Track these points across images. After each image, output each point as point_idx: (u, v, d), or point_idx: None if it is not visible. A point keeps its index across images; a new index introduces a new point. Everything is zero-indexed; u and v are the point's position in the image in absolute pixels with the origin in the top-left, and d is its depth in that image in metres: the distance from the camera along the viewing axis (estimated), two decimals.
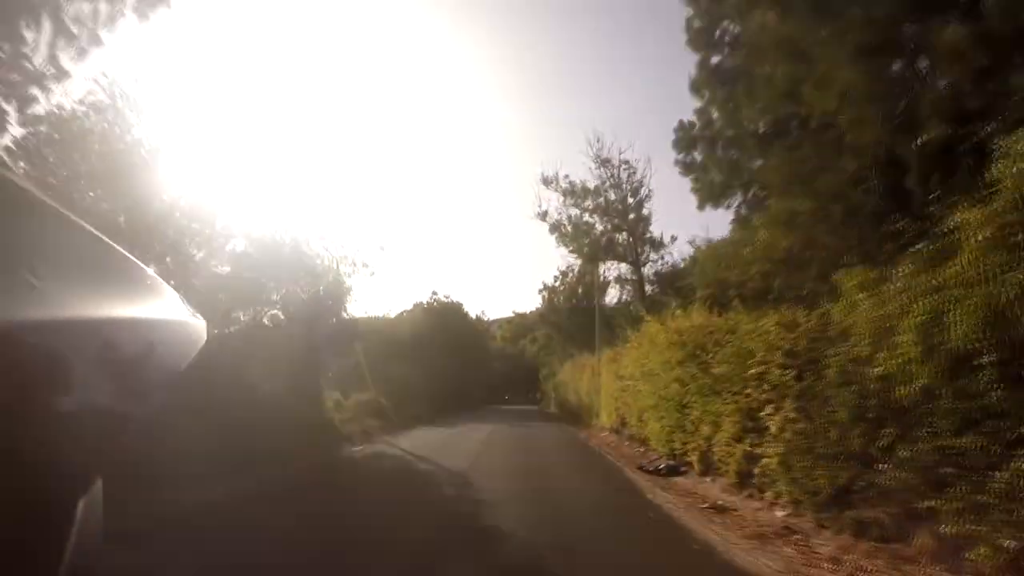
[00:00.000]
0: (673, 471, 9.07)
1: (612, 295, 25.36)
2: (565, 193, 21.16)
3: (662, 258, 21.05)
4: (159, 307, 0.95)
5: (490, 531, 5.10)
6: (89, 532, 0.74)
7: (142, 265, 0.98)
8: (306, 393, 14.01)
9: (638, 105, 66.21)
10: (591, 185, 21.37)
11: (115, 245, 0.86)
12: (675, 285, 15.93)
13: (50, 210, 0.72)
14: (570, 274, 31.50)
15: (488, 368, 45.00)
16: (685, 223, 65.01)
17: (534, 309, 37.69)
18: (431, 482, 7.67)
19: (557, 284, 32.19)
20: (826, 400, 5.40)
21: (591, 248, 20.68)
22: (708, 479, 8.11)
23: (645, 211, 21.24)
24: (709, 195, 10.23)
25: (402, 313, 31.20)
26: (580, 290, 30.47)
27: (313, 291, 14.00)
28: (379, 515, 5.67)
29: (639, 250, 20.48)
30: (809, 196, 6.00)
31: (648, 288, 20.23)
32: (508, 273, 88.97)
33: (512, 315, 54.98)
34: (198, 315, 1.15)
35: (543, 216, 22.18)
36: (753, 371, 6.65)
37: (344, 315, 15.85)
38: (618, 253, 20.86)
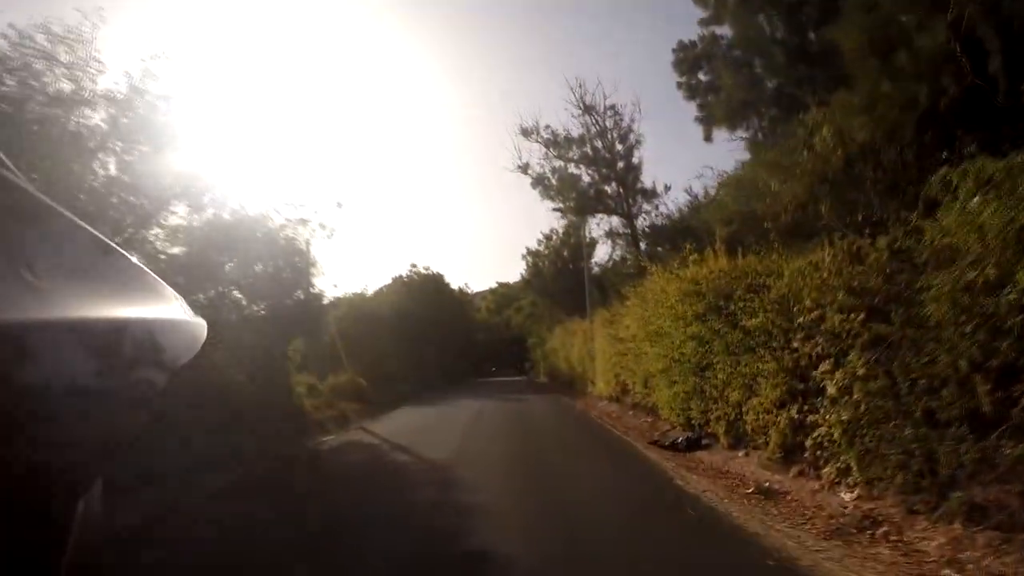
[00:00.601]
0: (694, 445, 7.81)
1: (602, 254, 23.93)
2: (547, 144, 19.30)
3: (656, 208, 19.45)
4: (160, 308, 0.93)
5: (480, 559, 3.69)
6: (89, 532, 0.73)
7: (142, 266, 0.93)
8: (272, 379, 12.51)
9: (621, 46, 62.71)
10: (575, 134, 19.64)
11: (115, 246, 0.84)
12: (680, 230, 14.44)
13: (49, 210, 0.70)
14: (554, 237, 30.00)
15: (474, 340, 43.67)
16: (680, 171, 61.28)
17: (519, 279, 35.98)
18: (406, 482, 6.21)
19: (541, 248, 30.61)
20: (916, 347, 4.07)
21: (578, 200, 18.88)
22: (740, 453, 6.86)
23: (635, 159, 19.72)
24: (722, 116, 8.66)
25: (381, 288, 29.47)
26: (565, 253, 28.94)
27: (272, 263, 12.32)
28: (330, 533, 4.23)
29: (630, 201, 18.82)
30: (888, 76, 4.60)
31: (643, 245, 18.72)
32: (490, 245, 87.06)
33: (496, 285, 53.69)
34: (198, 315, 1.10)
35: (524, 169, 20.34)
36: (803, 319, 5.30)
37: (312, 290, 14.20)
38: (608, 206, 19.10)
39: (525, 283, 31.92)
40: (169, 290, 0.99)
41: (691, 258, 7.57)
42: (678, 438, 8.16)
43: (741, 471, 6.28)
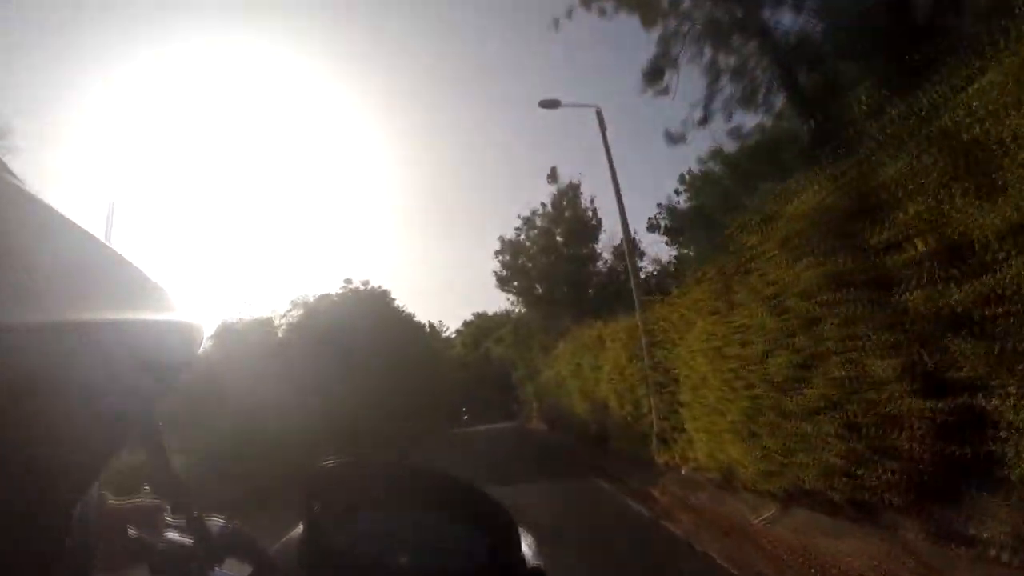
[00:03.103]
0: None
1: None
2: None
3: None
4: (158, 310, 0.79)
5: None
6: (87, 534, 0.71)
7: (140, 267, 0.80)
8: None
9: None
10: None
11: (113, 247, 0.73)
12: None
13: (48, 212, 0.63)
14: (538, 219, 20.54)
15: (444, 381, 33.43)
16: None
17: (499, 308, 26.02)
18: None
19: (520, 237, 21.00)
20: None
21: None
22: None
23: None
24: None
25: (270, 318, 18.70)
26: (559, 235, 19.33)
27: None
28: None
29: None
30: None
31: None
32: (463, 290, 77.55)
33: (472, 317, 44.43)
34: (197, 316, 0.88)
35: None
36: None
37: None
38: None
39: (501, 282, 21.83)
40: (166, 291, 0.80)
41: None
42: None
43: None
